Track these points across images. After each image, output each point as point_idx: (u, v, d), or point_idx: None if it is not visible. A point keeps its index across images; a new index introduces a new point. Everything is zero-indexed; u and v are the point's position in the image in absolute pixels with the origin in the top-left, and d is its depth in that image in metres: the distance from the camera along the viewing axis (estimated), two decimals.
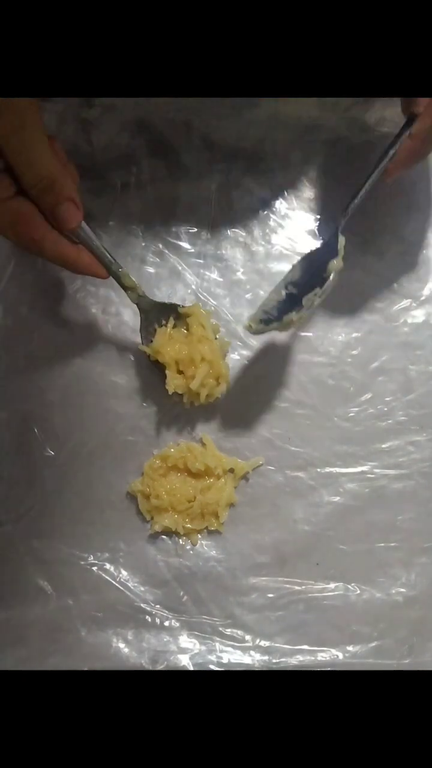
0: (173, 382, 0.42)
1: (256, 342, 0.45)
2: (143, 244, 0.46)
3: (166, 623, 0.42)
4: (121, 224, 0.46)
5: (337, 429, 0.44)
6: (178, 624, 0.42)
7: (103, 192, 0.46)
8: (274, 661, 0.41)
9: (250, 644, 0.42)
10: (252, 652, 0.42)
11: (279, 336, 0.45)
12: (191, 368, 0.42)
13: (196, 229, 0.46)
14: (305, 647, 0.42)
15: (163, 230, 0.46)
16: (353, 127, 0.47)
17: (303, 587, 0.43)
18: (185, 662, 0.41)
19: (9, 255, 0.45)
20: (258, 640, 0.42)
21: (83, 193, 0.46)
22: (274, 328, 0.40)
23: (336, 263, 0.39)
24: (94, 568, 0.42)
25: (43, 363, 0.45)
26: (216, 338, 0.43)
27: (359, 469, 0.44)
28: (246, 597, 0.42)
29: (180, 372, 0.43)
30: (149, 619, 0.42)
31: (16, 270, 0.45)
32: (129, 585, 0.42)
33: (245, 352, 0.45)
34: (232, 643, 0.42)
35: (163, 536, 0.43)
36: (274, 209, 0.47)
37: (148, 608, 0.42)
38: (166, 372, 0.43)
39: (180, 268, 0.46)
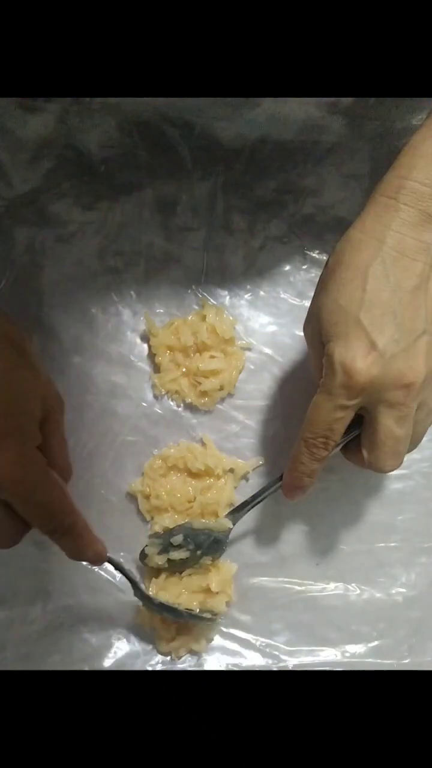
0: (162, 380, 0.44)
1: (255, 342, 0.45)
2: (143, 244, 0.46)
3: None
4: (121, 225, 0.46)
5: None
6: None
7: (103, 192, 0.46)
8: (274, 661, 0.41)
9: (250, 644, 0.42)
10: (252, 652, 0.42)
11: (278, 336, 0.45)
12: (191, 361, 0.43)
13: (196, 230, 0.46)
14: (305, 647, 0.42)
15: (163, 230, 0.46)
16: (353, 127, 0.47)
17: (303, 587, 0.43)
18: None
19: (9, 256, 0.45)
20: (258, 640, 0.42)
21: (83, 194, 0.46)
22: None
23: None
24: (94, 568, 0.42)
25: (43, 363, 0.44)
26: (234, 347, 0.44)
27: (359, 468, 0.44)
28: (246, 597, 0.42)
29: (177, 365, 0.43)
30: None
31: (16, 270, 0.45)
32: (129, 585, 0.42)
33: (245, 353, 0.45)
34: (232, 643, 0.42)
35: None
36: (274, 209, 0.47)
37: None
38: (156, 360, 0.44)
39: (180, 268, 0.46)
